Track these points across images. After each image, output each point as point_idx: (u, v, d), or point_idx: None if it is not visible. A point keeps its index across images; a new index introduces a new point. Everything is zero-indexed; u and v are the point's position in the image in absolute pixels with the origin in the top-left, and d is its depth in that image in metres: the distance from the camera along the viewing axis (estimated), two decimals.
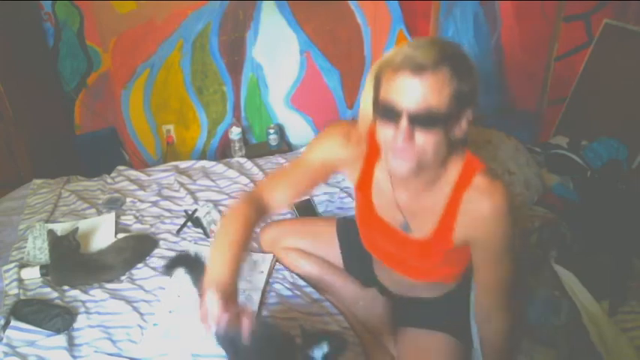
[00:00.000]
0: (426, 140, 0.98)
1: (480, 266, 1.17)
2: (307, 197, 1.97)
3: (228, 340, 1.11)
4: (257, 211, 1.21)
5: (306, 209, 1.92)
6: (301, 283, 1.59)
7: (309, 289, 1.57)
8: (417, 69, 0.93)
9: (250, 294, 1.54)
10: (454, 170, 1.10)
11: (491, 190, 1.06)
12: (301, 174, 1.27)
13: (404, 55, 0.95)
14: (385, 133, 1.01)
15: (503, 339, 1.25)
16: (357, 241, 1.42)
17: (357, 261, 1.52)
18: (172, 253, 1.71)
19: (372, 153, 1.19)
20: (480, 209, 1.07)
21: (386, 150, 1.04)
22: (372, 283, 1.49)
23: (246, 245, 1.15)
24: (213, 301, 0.98)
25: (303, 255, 1.60)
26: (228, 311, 0.98)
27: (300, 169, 1.28)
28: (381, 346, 1.41)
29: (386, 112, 0.99)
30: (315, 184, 1.30)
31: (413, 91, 0.94)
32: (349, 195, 1.96)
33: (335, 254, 1.59)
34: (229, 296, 1.02)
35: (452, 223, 1.11)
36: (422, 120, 0.95)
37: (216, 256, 1.10)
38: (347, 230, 1.56)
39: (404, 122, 0.96)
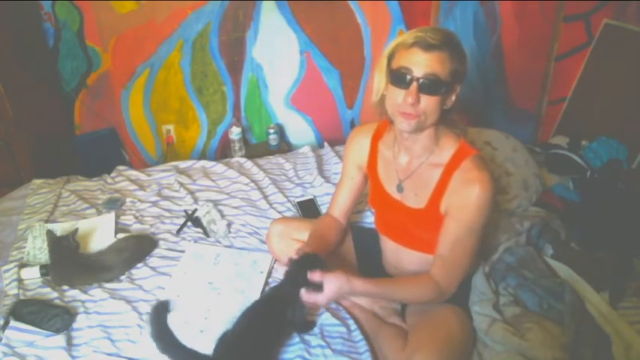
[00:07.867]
0: (428, 103, 1.22)
1: (442, 238, 1.32)
2: (310, 197, 1.98)
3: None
4: (328, 225, 1.55)
5: (309, 208, 1.92)
6: None
7: None
8: (427, 47, 1.19)
9: (249, 294, 1.54)
10: (448, 151, 1.33)
11: (476, 179, 1.26)
12: (343, 185, 1.57)
13: (416, 36, 1.20)
14: (396, 96, 1.23)
15: (413, 297, 1.35)
16: (371, 243, 1.61)
17: (370, 260, 1.62)
18: (172, 253, 1.72)
19: (378, 133, 1.47)
20: (462, 192, 1.28)
21: (395, 113, 1.27)
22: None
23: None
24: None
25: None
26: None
27: (341, 183, 1.58)
28: (389, 324, 1.46)
29: (399, 78, 1.22)
30: (358, 188, 1.56)
31: (423, 63, 1.19)
32: None
33: (347, 251, 1.64)
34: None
35: (440, 196, 1.33)
36: (427, 86, 1.20)
37: None
38: (362, 232, 1.71)
39: (414, 86, 1.20)
